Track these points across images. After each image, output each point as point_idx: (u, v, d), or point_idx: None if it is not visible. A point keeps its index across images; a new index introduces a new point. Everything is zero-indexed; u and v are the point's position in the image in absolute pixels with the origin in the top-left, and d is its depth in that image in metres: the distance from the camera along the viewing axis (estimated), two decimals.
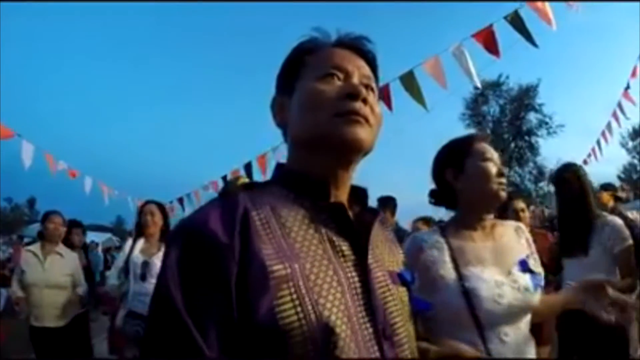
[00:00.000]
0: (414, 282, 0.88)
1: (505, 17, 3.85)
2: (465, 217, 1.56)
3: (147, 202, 3.88)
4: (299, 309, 0.65)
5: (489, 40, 3.88)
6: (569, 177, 2.95)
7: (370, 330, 0.72)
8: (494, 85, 27.10)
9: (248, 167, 6.14)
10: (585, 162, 8.31)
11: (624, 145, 30.67)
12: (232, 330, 0.65)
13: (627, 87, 6.45)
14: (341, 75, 0.82)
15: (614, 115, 6.79)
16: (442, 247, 1.49)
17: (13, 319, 4.09)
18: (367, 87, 0.83)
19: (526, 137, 26.96)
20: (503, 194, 1.51)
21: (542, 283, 1.50)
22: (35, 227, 10.19)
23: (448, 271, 1.43)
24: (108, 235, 24.33)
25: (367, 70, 0.86)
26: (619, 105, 6.63)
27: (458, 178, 1.54)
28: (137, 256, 3.54)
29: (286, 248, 0.70)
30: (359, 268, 0.75)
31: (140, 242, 3.67)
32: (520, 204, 3.80)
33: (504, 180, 1.52)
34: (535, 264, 1.54)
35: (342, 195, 0.83)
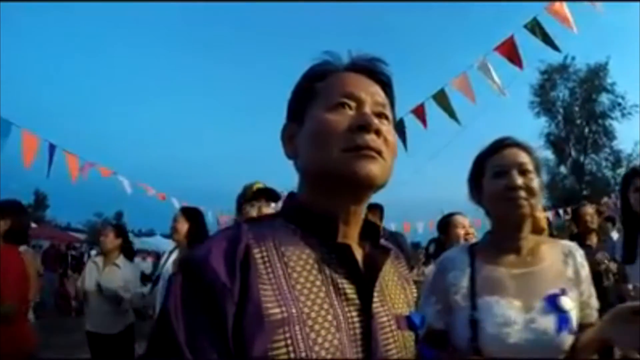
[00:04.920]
0: (423, 327, 0.85)
1: (525, 26, 3.91)
2: (498, 237, 1.44)
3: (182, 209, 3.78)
4: (292, 355, 0.64)
5: (511, 52, 3.95)
6: None
7: None
8: (561, 69, 25.58)
9: None
10: None
11: None
12: None
13: None
14: (353, 104, 0.77)
15: None
16: (464, 269, 1.40)
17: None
18: (381, 115, 0.79)
19: (600, 121, 25.08)
20: (520, 211, 1.32)
21: (574, 323, 1.28)
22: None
23: (462, 297, 1.36)
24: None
25: (380, 96, 0.81)
26: None
27: (481, 200, 1.47)
28: (168, 269, 3.57)
29: (286, 290, 0.68)
30: (362, 312, 0.73)
31: (175, 253, 3.64)
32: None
33: (518, 193, 1.31)
34: (570, 300, 1.30)
35: (352, 232, 0.80)
